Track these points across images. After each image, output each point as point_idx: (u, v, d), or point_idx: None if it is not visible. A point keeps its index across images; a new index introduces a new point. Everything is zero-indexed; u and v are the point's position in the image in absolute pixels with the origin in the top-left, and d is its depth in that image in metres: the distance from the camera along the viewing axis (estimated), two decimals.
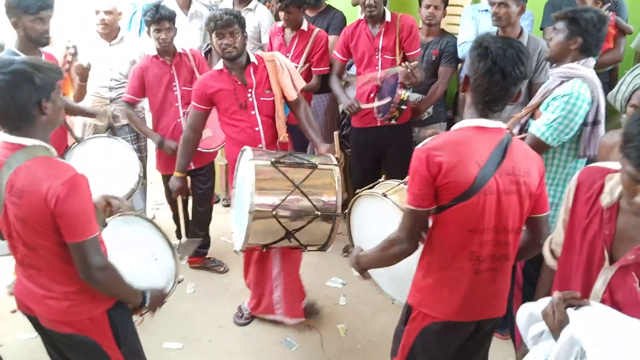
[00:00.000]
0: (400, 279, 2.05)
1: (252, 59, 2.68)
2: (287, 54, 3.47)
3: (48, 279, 1.68)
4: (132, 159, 2.83)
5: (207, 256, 3.59)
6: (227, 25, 2.55)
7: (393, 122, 3.17)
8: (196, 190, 3.39)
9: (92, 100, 3.36)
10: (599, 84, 2.25)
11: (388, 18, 3.22)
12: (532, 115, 2.34)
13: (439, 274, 1.69)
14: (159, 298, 1.89)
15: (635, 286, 1.31)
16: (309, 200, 2.34)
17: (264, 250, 2.54)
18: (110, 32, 3.40)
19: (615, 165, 1.39)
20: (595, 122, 2.25)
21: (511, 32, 2.87)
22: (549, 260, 1.65)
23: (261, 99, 2.67)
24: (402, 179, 2.12)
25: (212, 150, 3.31)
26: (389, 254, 1.74)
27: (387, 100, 3.12)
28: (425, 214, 1.65)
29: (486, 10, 3.47)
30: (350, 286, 3.40)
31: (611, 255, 1.36)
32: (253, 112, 2.68)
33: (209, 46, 4.12)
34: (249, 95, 2.66)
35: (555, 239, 1.62)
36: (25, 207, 1.56)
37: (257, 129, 2.68)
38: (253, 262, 2.88)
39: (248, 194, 2.28)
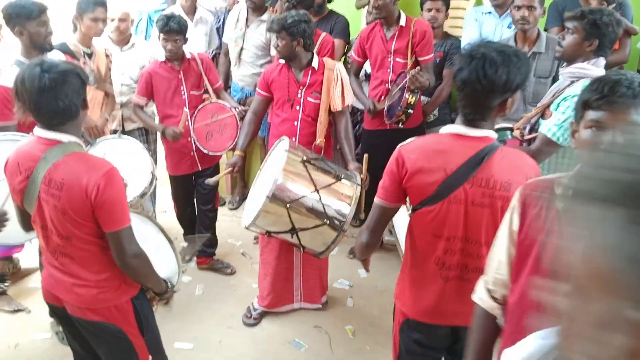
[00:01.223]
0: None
1: (315, 62, 2.85)
2: None
3: (79, 267, 1.78)
4: (144, 158, 2.90)
5: (214, 257, 3.65)
6: (274, 31, 2.79)
7: (401, 125, 3.22)
8: (200, 190, 3.48)
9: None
10: None
11: (402, 22, 3.28)
12: (542, 115, 2.38)
13: (411, 273, 1.74)
14: (171, 289, 2.01)
15: None
16: (323, 206, 2.41)
17: (267, 235, 2.63)
18: (123, 38, 3.50)
19: (557, 175, 1.34)
20: None
21: (531, 34, 2.95)
22: (488, 304, 1.40)
23: (308, 99, 2.84)
24: None
25: (218, 154, 3.40)
26: (358, 243, 1.82)
27: (395, 100, 3.19)
28: (389, 211, 1.69)
29: (489, 12, 3.54)
30: (357, 287, 3.46)
31: None
32: (297, 108, 2.86)
33: (214, 52, 4.22)
34: (299, 92, 2.85)
35: (493, 276, 1.39)
36: (65, 198, 1.67)
37: (295, 123, 2.86)
38: (274, 258, 3.00)
39: (272, 179, 2.38)
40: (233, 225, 4.18)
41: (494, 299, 1.40)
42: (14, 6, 2.60)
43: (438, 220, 1.60)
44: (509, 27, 3.46)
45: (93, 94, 3.12)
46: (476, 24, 3.56)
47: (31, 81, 1.64)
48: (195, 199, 3.57)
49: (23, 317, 3.10)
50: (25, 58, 2.66)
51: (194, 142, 3.28)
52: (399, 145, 1.67)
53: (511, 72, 1.49)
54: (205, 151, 3.28)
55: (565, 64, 2.36)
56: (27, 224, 1.90)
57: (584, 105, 1.31)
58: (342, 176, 2.51)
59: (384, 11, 3.24)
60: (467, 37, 3.54)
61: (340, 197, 2.48)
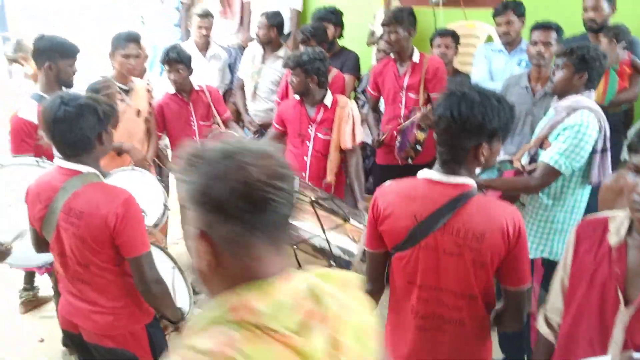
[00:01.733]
0: None
1: (327, 100, 2.91)
2: None
3: (96, 294, 1.83)
4: (157, 190, 2.94)
5: None
6: (290, 68, 2.89)
7: (410, 161, 3.24)
8: None
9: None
10: (602, 114, 2.39)
11: (416, 59, 3.33)
12: (541, 145, 2.44)
13: (390, 318, 1.71)
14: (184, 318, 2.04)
15: None
16: (330, 247, 2.42)
17: None
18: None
19: (614, 213, 1.39)
20: (604, 150, 2.37)
21: (546, 72, 2.99)
22: (544, 330, 1.51)
23: (318, 134, 2.92)
24: None
25: None
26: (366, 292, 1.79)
27: (405, 136, 3.22)
28: (377, 256, 1.66)
29: (499, 50, 3.59)
30: None
31: (625, 297, 1.30)
32: (308, 143, 2.93)
33: (227, 87, 4.32)
34: (309, 127, 2.91)
35: (550, 305, 1.49)
36: (85, 227, 1.72)
37: (305, 158, 2.93)
38: None
39: None
40: None
41: (550, 325, 1.50)
42: (50, 41, 2.67)
43: (410, 267, 1.57)
44: (519, 64, 3.52)
45: (133, 129, 3.15)
46: (486, 61, 3.61)
47: (49, 111, 1.73)
48: None
49: (35, 346, 3.11)
50: (45, 92, 2.70)
51: None
52: (377, 188, 1.65)
53: (487, 114, 1.45)
54: None
55: (556, 97, 2.46)
56: (40, 248, 1.96)
57: (629, 148, 1.34)
58: (350, 217, 2.52)
59: (396, 46, 3.30)
60: (477, 74, 3.60)
61: (347, 237, 2.48)
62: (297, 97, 2.98)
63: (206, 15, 4.06)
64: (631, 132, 1.35)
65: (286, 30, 4.16)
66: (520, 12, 3.44)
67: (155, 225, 2.77)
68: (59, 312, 1.99)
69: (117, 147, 2.95)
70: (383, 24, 3.31)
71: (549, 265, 2.49)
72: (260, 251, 0.86)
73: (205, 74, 3.94)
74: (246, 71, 4.06)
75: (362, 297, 0.97)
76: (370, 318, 0.97)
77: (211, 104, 3.38)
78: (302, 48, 3.60)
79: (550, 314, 1.49)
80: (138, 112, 3.16)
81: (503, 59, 3.57)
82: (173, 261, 2.20)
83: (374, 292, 1.72)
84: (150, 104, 3.27)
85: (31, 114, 2.64)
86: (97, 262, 1.78)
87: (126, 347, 1.87)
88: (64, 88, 2.76)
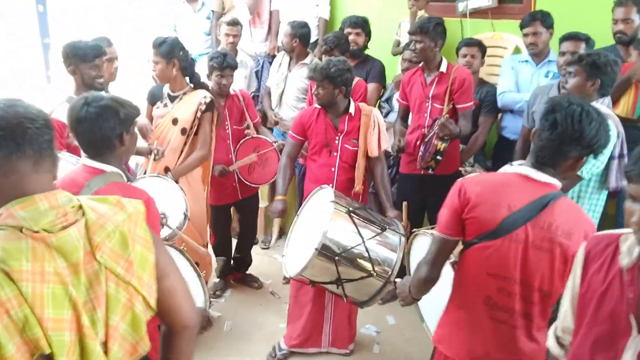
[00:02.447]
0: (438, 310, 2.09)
1: (352, 109, 2.94)
2: None
3: None
4: (179, 198, 3.04)
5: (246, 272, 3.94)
6: (315, 80, 2.90)
7: (431, 171, 3.23)
8: (244, 210, 3.74)
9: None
10: (618, 120, 2.44)
11: (443, 68, 3.34)
12: None
13: (457, 313, 1.73)
14: (205, 318, 2.11)
15: None
16: (370, 257, 2.42)
17: (311, 285, 2.65)
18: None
19: (625, 230, 1.35)
20: (621, 155, 2.41)
21: None
22: (555, 350, 1.49)
23: (345, 145, 2.93)
24: None
25: (258, 186, 3.66)
26: (415, 278, 1.81)
27: (426, 146, 3.23)
28: (450, 244, 1.70)
29: (526, 60, 3.59)
30: (384, 334, 3.43)
31: (638, 322, 1.26)
32: (335, 154, 2.95)
33: (252, 94, 4.43)
34: (337, 139, 2.94)
35: (561, 324, 1.47)
36: None
37: (332, 169, 2.95)
38: (309, 300, 3.04)
39: (319, 232, 2.40)
40: (264, 264, 4.26)
41: (562, 345, 1.47)
42: (71, 47, 2.82)
43: (495, 258, 1.59)
44: (546, 76, 3.50)
45: (166, 135, 3.19)
46: (512, 72, 3.61)
47: (73, 111, 1.83)
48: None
49: None
50: (76, 95, 2.82)
51: (237, 174, 3.51)
52: (461, 179, 1.72)
53: (600, 130, 1.56)
54: (248, 183, 3.51)
55: None
56: None
57: (626, 176, 1.32)
58: (387, 226, 2.53)
59: (421, 56, 3.32)
60: (503, 85, 3.59)
61: (386, 247, 2.48)
62: (318, 106, 2.99)
63: (234, 23, 4.17)
64: (629, 161, 1.33)
65: (313, 38, 4.24)
66: (548, 23, 3.43)
67: (171, 237, 2.84)
68: None
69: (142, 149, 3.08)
70: (409, 33, 3.34)
71: None
72: (22, 175, 1.12)
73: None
74: (273, 79, 4.17)
75: (137, 218, 1.27)
76: (143, 232, 1.26)
77: (244, 109, 3.51)
78: (324, 58, 3.69)
79: (561, 333, 1.47)
80: (174, 121, 3.17)
81: (530, 70, 3.56)
82: (189, 262, 2.27)
83: (434, 279, 1.76)
84: (196, 118, 3.16)
85: (63, 115, 2.78)
86: None
87: None
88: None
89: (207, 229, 3.44)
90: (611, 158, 2.42)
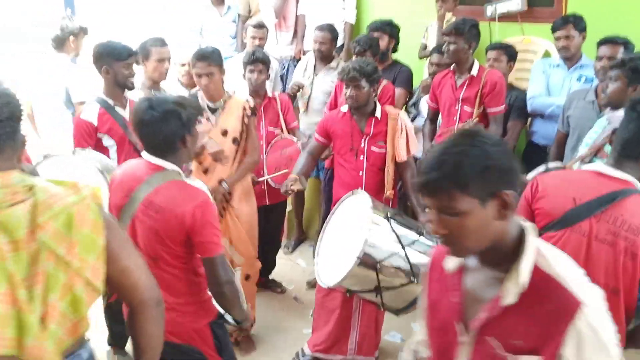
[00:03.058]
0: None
1: (377, 112, 2.91)
2: None
3: (161, 289, 1.91)
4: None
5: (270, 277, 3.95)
6: (352, 79, 2.81)
7: None
8: (271, 215, 3.68)
9: None
10: None
11: (474, 72, 3.33)
12: (596, 154, 2.44)
13: None
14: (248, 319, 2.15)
15: (499, 352, 1.14)
16: (410, 264, 2.37)
17: (348, 295, 2.61)
18: (192, 82, 3.77)
19: None
20: None
21: None
22: None
23: (372, 148, 2.90)
24: None
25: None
26: None
27: None
28: None
29: (558, 65, 3.54)
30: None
31: (466, 328, 1.20)
32: (361, 158, 2.91)
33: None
34: (362, 142, 2.91)
35: (418, 336, 1.44)
36: (162, 222, 1.86)
37: (360, 173, 2.91)
38: (337, 306, 2.99)
39: (359, 239, 2.35)
40: (286, 269, 4.25)
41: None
42: (105, 46, 2.86)
43: (558, 248, 1.61)
44: (578, 80, 3.45)
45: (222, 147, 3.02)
46: (543, 76, 3.57)
47: (137, 114, 1.90)
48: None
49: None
50: (107, 96, 2.89)
51: (265, 176, 3.48)
52: (537, 174, 1.80)
53: None
54: (272, 184, 3.47)
55: (609, 109, 2.50)
56: None
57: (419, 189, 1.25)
58: (423, 231, 2.49)
59: (454, 57, 3.30)
60: (534, 90, 3.55)
61: (424, 252, 2.44)
62: (344, 109, 2.97)
63: (260, 26, 4.21)
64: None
65: (339, 42, 4.25)
66: (581, 26, 3.39)
67: None
68: (124, 311, 2.07)
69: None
70: (443, 34, 3.31)
71: None
72: None
73: None
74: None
75: (90, 202, 1.31)
76: (94, 215, 1.30)
77: (280, 113, 3.53)
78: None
79: (415, 346, 1.44)
80: (224, 132, 3.01)
81: (561, 75, 3.52)
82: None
83: None
84: (244, 123, 3.06)
85: (92, 115, 2.83)
86: (166, 258, 1.90)
87: (191, 343, 1.97)
88: (126, 91, 2.94)
89: (256, 232, 3.31)
90: None
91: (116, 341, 3.15)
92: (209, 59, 2.93)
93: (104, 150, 2.85)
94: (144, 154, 1.96)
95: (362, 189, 2.82)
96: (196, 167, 3.00)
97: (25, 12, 6.51)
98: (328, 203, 3.50)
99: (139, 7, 4.83)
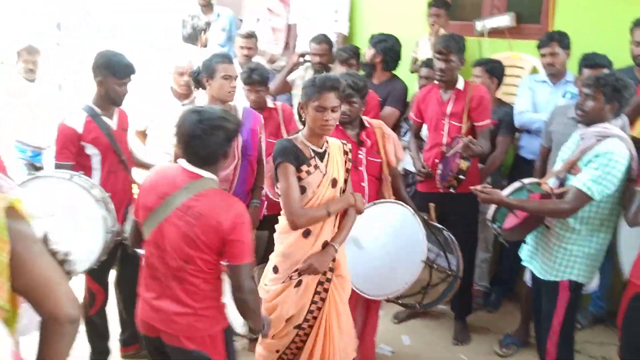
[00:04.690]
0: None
1: (366, 122, 3.02)
2: None
3: (185, 294, 2.02)
4: (95, 226, 2.76)
5: None
6: (348, 96, 2.84)
7: (452, 190, 3.31)
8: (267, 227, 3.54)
9: (162, 158, 3.64)
10: (631, 142, 2.57)
11: (460, 86, 3.42)
12: (569, 170, 2.60)
13: None
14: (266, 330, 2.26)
15: None
16: (447, 258, 2.68)
17: (387, 300, 2.85)
18: (188, 92, 3.82)
19: None
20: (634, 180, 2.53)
21: None
22: None
23: (369, 158, 3.01)
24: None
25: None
26: None
27: (447, 165, 3.32)
28: None
29: (544, 81, 3.69)
30: (398, 355, 3.47)
31: None
32: (361, 169, 2.98)
33: None
34: (360, 153, 2.98)
35: None
36: (200, 227, 1.95)
37: (362, 184, 2.98)
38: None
39: (416, 242, 2.58)
40: None
41: None
42: (106, 58, 2.86)
43: None
44: (564, 96, 3.60)
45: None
46: (530, 92, 3.72)
47: (186, 126, 2.00)
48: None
49: None
50: (96, 105, 2.90)
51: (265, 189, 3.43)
52: None
53: None
54: (271, 196, 3.38)
55: (582, 125, 2.64)
56: (136, 243, 2.21)
57: None
58: (443, 228, 2.83)
59: (448, 75, 3.37)
60: (520, 105, 3.70)
61: (448, 248, 2.81)
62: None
63: (249, 35, 4.25)
64: None
65: None
66: (565, 44, 3.54)
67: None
68: (138, 317, 2.18)
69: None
70: (436, 52, 3.38)
71: (576, 288, 2.66)
72: None
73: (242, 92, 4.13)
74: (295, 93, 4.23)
75: None
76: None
77: (282, 123, 3.54)
78: (339, 68, 3.77)
79: None
80: (334, 182, 2.47)
81: (547, 91, 3.67)
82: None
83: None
84: (347, 170, 2.55)
85: (77, 123, 2.84)
86: (197, 262, 1.99)
87: (204, 349, 2.05)
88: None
89: None
90: (628, 181, 2.51)
91: (98, 357, 3.14)
92: (339, 90, 2.40)
93: (85, 158, 2.88)
94: (182, 161, 2.06)
95: (366, 199, 2.93)
96: (285, 228, 2.43)
97: None
98: None
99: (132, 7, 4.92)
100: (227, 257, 2.00)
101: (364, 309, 3.05)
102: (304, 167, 2.38)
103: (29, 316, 1.80)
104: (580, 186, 2.46)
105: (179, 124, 2.02)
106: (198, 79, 3.21)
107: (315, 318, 2.47)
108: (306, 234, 2.40)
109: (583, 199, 2.46)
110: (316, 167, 2.41)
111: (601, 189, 2.44)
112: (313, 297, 2.47)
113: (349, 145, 2.58)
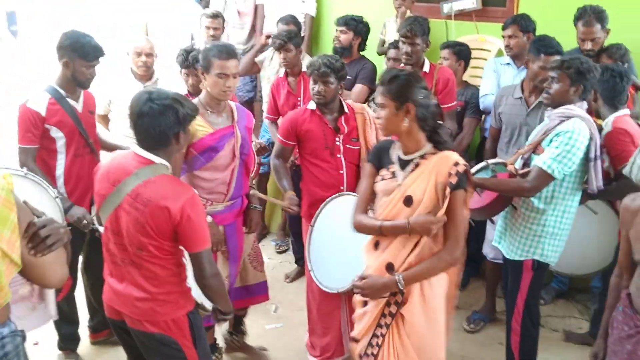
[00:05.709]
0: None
1: (345, 108, 2.99)
2: (298, 100, 3.78)
3: (144, 279, 2.05)
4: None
5: None
6: (322, 74, 2.86)
7: None
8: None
9: (125, 141, 3.65)
10: (593, 123, 2.68)
11: (426, 69, 3.49)
12: (534, 151, 2.72)
13: None
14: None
15: None
16: None
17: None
18: (148, 74, 3.77)
19: None
20: (596, 158, 2.66)
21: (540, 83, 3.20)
22: None
23: (347, 146, 2.98)
24: None
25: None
26: None
27: None
28: None
29: (508, 63, 3.81)
30: None
31: None
32: (339, 156, 2.97)
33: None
34: (337, 140, 2.97)
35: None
36: (149, 214, 1.96)
37: (341, 172, 2.97)
38: (334, 308, 3.03)
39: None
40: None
41: None
42: (74, 40, 2.79)
43: None
44: None
45: None
46: (494, 74, 3.84)
47: (135, 104, 1.99)
48: None
49: (31, 349, 3.17)
50: (60, 87, 2.85)
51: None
52: None
53: None
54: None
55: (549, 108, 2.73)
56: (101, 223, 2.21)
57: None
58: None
59: (414, 58, 3.44)
60: (485, 87, 3.82)
61: None
62: (312, 107, 2.99)
63: (216, 15, 4.21)
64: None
65: None
66: (525, 27, 3.63)
67: None
68: (103, 300, 2.20)
69: None
70: (402, 36, 3.44)
71: (539, 267, 2.77)
72: None
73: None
74: (265, 74, 4.22)
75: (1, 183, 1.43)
76: (5, 194, 1.41)
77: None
78: (275, 54, 3.75)
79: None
80: (407, 200, 2.12)
81: (512, 73, 3.79)
82: None
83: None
84: (442, 198, 2.10)
85: (40, 105, 2.79)
86: (151, 249, 2.01)
87: (168, 333, 2.08)
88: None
89: None
90: (588, 160, 2.65)
91: (67, 344, 3.15)
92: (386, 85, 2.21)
93: (50, 141, 2.85)
94: (134, 146, 2.05)
95: (344, 187, 2.95)
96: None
97: None
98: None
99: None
100: (183, 244, 2.02)
101: (348, 306, 2.98)
102: (382, 172, 2.21)
103: (35, 314, 1.92)
104: (541, 165, 2.56)
105: (130, 104, 2.02)
106: (194, 65, 3.15)
107: (374, 356, 2.13)
108: (377, 244, 2.19)
109: (545, 177, 2.56)
110: (393, 174, 2.17)
111: (561, 167, 2.54)
112: (375, 329, 2.14)
113: (462, 167, 2.07)
